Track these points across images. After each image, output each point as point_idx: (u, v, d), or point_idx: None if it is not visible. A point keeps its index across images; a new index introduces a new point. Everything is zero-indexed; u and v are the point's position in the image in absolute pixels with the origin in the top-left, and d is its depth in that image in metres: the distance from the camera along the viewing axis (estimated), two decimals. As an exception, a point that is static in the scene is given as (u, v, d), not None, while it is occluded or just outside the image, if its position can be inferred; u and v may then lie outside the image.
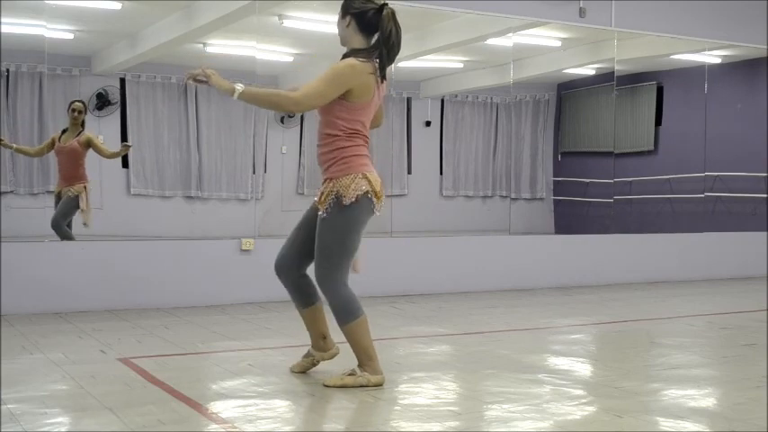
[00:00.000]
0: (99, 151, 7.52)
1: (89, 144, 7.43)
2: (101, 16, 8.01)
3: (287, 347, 5.10)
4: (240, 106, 9.18)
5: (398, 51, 3.95)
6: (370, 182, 3.91)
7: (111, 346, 5.01)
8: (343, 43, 4.03)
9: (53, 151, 7.46)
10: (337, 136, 3.93)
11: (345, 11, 3.98)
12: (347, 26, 3.96)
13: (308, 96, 3.85)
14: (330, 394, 3.87)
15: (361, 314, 3.98)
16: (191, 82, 3.85)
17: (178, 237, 8.24)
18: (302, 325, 5.92)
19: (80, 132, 7.42)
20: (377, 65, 3.91)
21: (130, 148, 8.36)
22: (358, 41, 3.96)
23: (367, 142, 4.00)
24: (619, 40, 8.99)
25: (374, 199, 3.93)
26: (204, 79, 3.82)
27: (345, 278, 4.00)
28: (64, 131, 7.44)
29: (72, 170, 7.39)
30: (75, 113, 7.42)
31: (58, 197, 7.39)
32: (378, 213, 4.00)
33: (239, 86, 3.81)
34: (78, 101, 7.57)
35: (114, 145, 8.29)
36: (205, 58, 8.79)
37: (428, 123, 10.46)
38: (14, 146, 7.70)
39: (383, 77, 3.95)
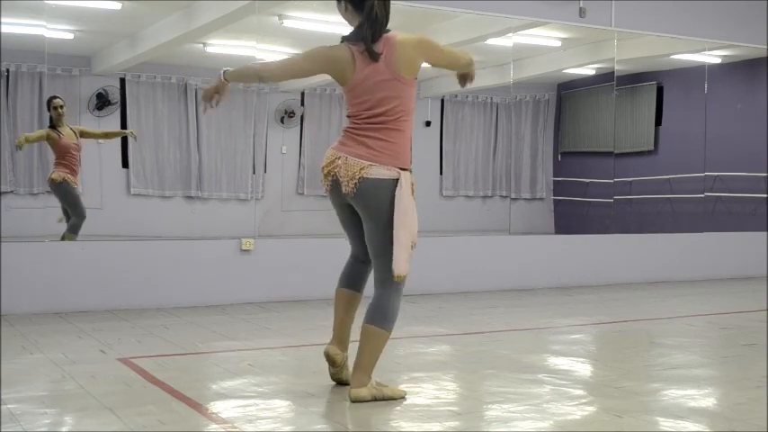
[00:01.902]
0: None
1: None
2: (101, 16, 8.01)
3: (287, 347, 5.10)
4: (239, 106, 9.19)
5: (386, 23, 3.78)
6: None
7: (111, 346, 5.00)
8: None
9: (63, 144, 7.38)
10: None
11: None
12: (345, 11, 3.86)
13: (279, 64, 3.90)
14: (330, 394, 3.87)
15: (337, 287, 4.09)
16: (212, 110, 3.86)
17: (178, 237, 8.24)
18: (302, 325, 5.94)
19: (70, 127, 7.47)
20: (362, 47, 3.73)
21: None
22: (357, 22, 3.83)
23: (356, 124, 3.79)
24: (619, 40, 8.99)
25: (323, 177, 3.87)
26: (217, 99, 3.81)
27: (353, 252, 4.08)
28: (53, 127, 7.39)
29: (77, 163, 7.48)
30: (60, 110, 7.41)
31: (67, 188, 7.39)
32: (324, 191, 3.90)
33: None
34: (57, 97, 7.51)
35: (114, 145, 8.28)
36: (205, 58, 8.81)
37: (428, 123, 10.46)
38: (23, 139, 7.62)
39: (372, 55, 3.71)
